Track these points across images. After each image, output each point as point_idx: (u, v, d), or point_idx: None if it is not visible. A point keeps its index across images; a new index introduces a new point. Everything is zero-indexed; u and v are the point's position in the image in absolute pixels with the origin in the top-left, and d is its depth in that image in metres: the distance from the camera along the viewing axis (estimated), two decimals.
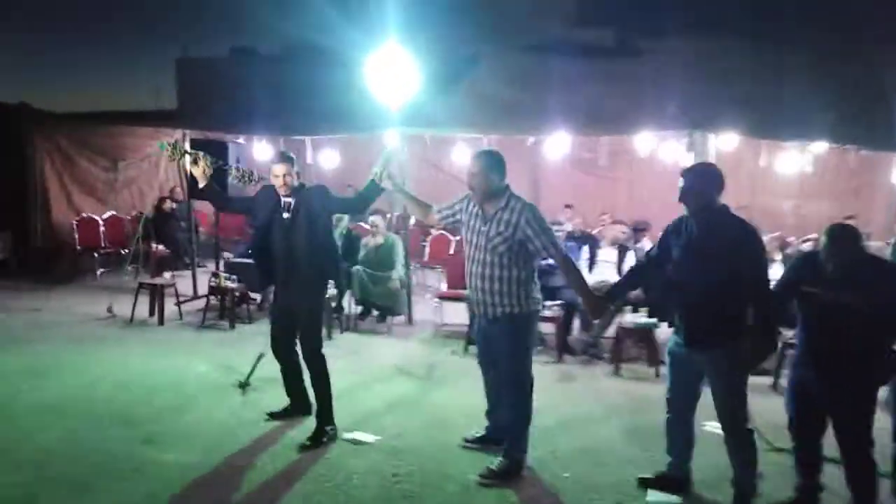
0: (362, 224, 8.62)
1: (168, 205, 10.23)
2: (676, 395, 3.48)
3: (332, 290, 5.78)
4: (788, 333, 4.36)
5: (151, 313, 7.12)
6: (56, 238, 9.60)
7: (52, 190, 9.70)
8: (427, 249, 9.27)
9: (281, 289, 4.30)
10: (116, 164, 10.53)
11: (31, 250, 9.24)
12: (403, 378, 5.50)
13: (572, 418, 4.68)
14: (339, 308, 7.13)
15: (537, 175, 11.07)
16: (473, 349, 6.12)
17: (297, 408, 4.51)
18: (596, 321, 5.04)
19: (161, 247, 9.56)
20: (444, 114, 7.87)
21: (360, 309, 7.30)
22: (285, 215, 4.11)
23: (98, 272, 9.34)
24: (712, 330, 3.19)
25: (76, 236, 9.52)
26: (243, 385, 5.06)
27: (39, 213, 9.39)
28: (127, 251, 9.34)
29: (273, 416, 4.49)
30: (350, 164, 10.06)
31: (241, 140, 9.10)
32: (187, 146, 8.38)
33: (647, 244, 7.17)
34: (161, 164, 10.25)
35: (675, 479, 3.58)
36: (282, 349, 4.36)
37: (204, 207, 9.54)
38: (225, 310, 7.14)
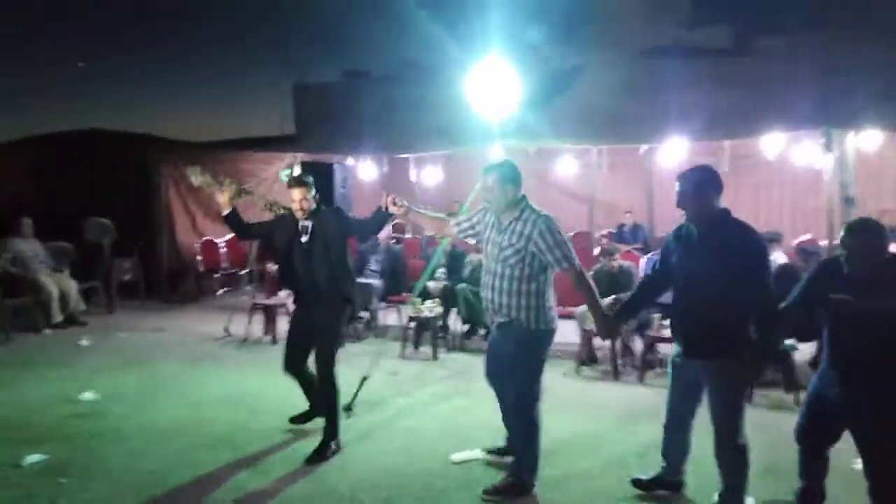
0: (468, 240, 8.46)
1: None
2: (676, 402, 3.42)
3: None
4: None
5: (265, 332, 7.28)
6: (180, 260, 10.10)
7: (177, 214, 10.22)
8: None
9: (301, 309, 4.43)
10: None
11: (157, 272, 9.75)
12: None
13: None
14: (445, 327, 6.98)
15: (651, 184, 10.52)
16: (585, 370, 5.83)
17: (319, 409, 4.51)
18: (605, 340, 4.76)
19: (276, 266, 9.82)
20: (549, 125, 7.61)
21: (466, 328, 7.13)
22: (303, 238, 4.19)
23: (218, 292, 9.74)
24: (710, 340, 3.11)
25: (199, 258, 9.99)
26: (347, 408, 4.99)
27: (165, 236, 9.91)
28: (245, 272, 9.71)
29: (294, 420, 4.58)
30: (454, 180, 9.99)
31: (349, 161, 9.24)
32: (287, 171, 8.56)
33: (780, 257, 6.52)
34: (274, 188, 10.59)
35: (670, 483, 3.56)
36: (292, 366, 4.43)
37: None
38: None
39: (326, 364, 4.25)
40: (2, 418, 4.90)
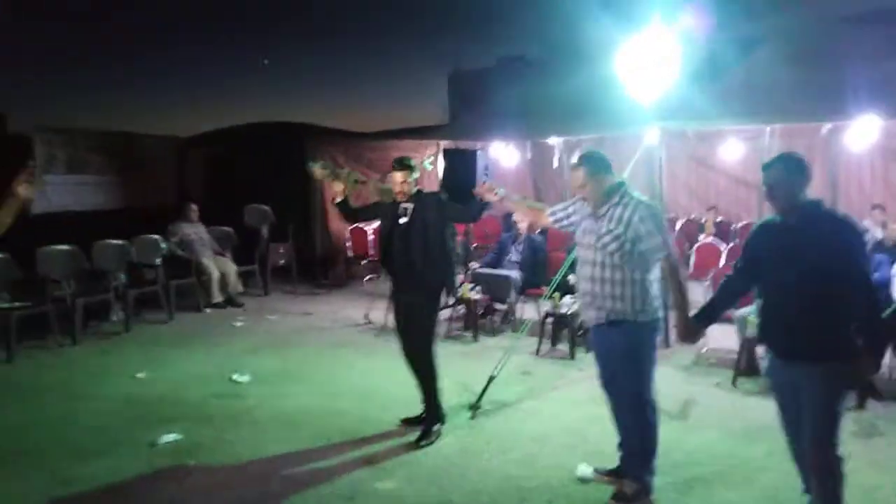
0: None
1: None
2: (788, 420, 3.04)
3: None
4: None
5: None
6: (332, 247, 10.41)
7: (330, 202, 10.52)
8: (692, 260, 8.17)
9: (399, 292, 4.42)
10: (385, 177, 11.15)
11: (309, 258, 10.12)
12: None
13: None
14: (583, 326, 6.51)
15: (836, 170, 9.22)
16: (744, 381, 5.13)
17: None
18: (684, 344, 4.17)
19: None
20: (714, 104, 6.81)
21: None
22: (402, 220, 4.25)
23: (365, 279, 9.92)
24: (810, 341, 2.86)
25: (349, 245, 10.24)
26: (474, 407, 4.75)
27: (318, 223, 10.25)
28: None
29: (406, 421, 4.49)
30: None
31: (493, 147, 8.97)
32: (431, 158, 8.41)
33: None
34: (423, 174, 10.59)
35: None
36: (406, 349, 4.43)
37: None
38: (469, 321, 6.98)
39: (421, 349, 4.30)
40: (152, 395, 5.20)
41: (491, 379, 4.85)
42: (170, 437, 4.33)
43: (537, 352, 6.18)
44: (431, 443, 4.22)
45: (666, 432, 4.42)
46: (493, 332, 6.94)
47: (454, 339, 6.80)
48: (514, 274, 7.15)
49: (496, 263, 7.48)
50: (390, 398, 5.02)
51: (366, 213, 4.74)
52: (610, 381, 3.54)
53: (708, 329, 3.40)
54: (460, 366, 5.82)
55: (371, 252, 10.25)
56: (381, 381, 5.45)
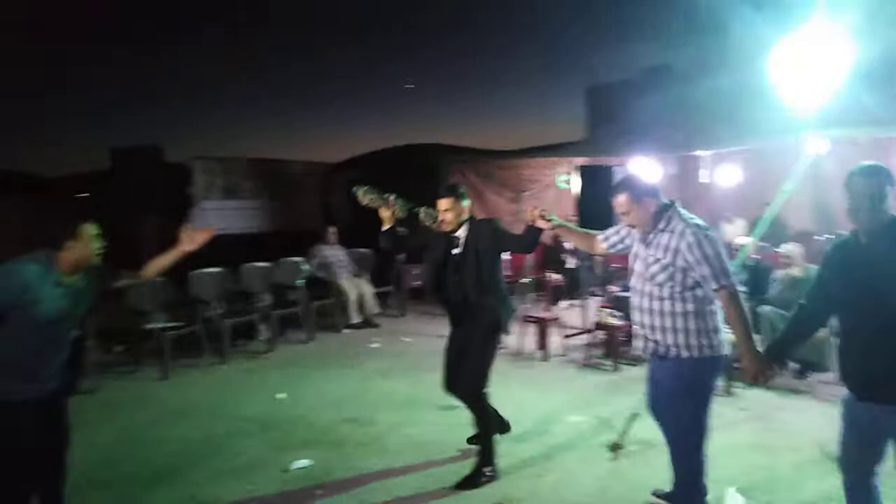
0: (778, 251, 7.13)
1: None
2: (852, 453, 2.73)
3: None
4: None
5: (539, 347, 6.95)
6: None
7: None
8: None
9: (453, 326, 4.23)
10: (519, 196, 10.95)
11: None
12: (827, 464, 4.04)
13: None
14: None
15: None
16: None
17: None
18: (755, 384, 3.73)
19: (557, 276, 9.50)
20: (887, 108, 5.99)
21: None
22: (454, 251, 4.05)
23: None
24: (889, 380, 2.52)
25: None
26: (614, 447, 4.36)
27: None
28: (524, 281, 9.53)
29: (470, 440, 4.35)
30: (756, 179, 8.53)
31: (633, 163, 8.50)
32: (564, 176, 8.06)
33: None
34: (550, 193, 10.27)
35: None
36: (450, 386, 4.23)
37: None
38: (609, 348, 6.56)
39: (471, 386, 4.06)
40: (288, 417, 5.27)
41: (635, 416, 4.43)
42: (302, 463, 4.32)
43: None
44: (477, 486, 3.90)
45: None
46: (637, 361, 6.46)
47: (592, 369, 6.40)
48: None
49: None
50: (524, 430, 4.75)
51: (415, 242, 4.44)
52: (657, 411, 3.35)
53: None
54: (599, 398, 5.45)
55: (506, 273, 10.06)
56: (514, 413, 5.17)
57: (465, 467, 4.16)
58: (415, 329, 8.41)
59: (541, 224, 3.76)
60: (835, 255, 2.77)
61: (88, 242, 3.06)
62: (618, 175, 6.99)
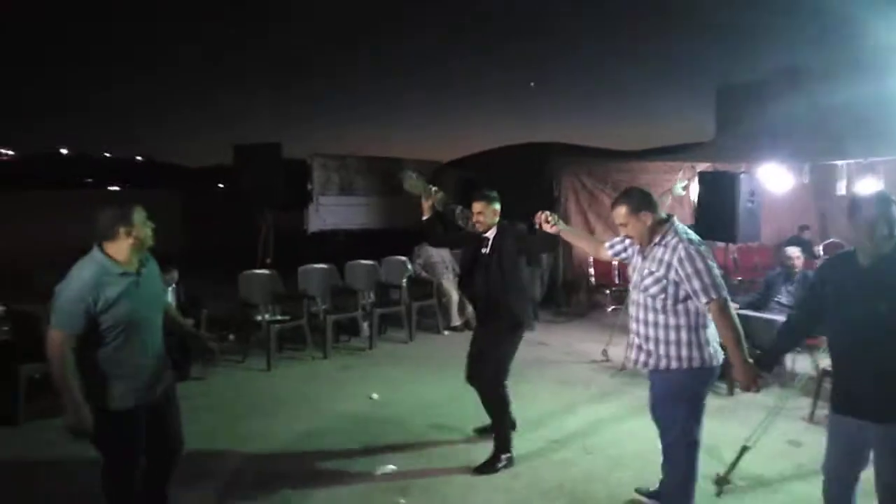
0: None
1: None
2: (835, 465, 2.89)
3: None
4: None
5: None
6: (575, 273, 10.00)
7: (577, 226, 10.14)
8: None
9: (478, 322, 4.66)
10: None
11: (550, 284, 9.80)
12: None
13: None
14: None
15: None
16: None
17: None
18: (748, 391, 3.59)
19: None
20: None
21: None
22: (484, 251, 4.36)
23: (609, 309, 9.34)
24: (880, 397, 2.64)
25: (591, 272, 9.74)
26: (721, 481, 4.01)
27: (561, 247, 9.90)
28: None
29: (479, 431, 4.70)
30: None
31: (762, 170, 7.87)
32: (683, 183, 7.57)
33: None
34: (667, 202, 9.69)
35: None
36: (471, 377, 4.58)
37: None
38: (724, 370, 6.07)
39: (490, 381, 4.35)
40: (381, 418, 5.27)
41: (745, 448, 4.06)
42: (388, 469, 4.28)
43: (811, 417, 5.12)
44: (495, 471, 4.19)
45: None
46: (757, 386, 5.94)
47: None
48: (781, 318, 6.07)
49: (761, 304, 6.46)
50: (622, 453, 4.50)
51: (455, 239, 4.99)
52: (654, 416, 3.46)
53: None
54: (707, 425, 4.98)
55: (617, 280, 9.66)
56: (612, 434, 4.92)
57: (557, 492, 3.98)
58: None
59: (546, 228, 3.87)
60: (833, 271, 2.92)
61: (142, 226, 2.98)
62: (744, 183, 6.46)
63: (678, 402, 3.27)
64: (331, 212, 12.09)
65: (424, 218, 4.57)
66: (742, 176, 6.72)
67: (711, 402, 5.58)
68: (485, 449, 4.62)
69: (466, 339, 7.77)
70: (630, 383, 6.12)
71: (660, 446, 3.54)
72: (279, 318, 7.04)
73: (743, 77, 16.28)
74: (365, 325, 7.82)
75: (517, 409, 5.35)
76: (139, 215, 2.99)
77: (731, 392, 5.84)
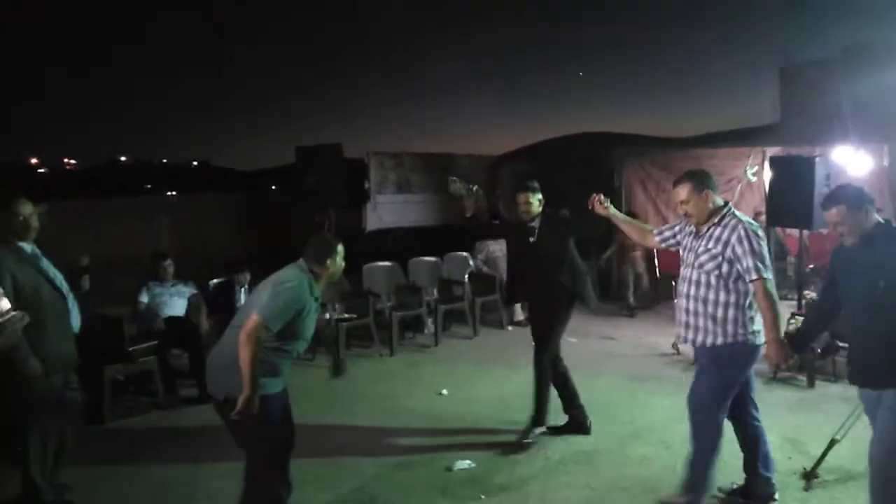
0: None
1: None
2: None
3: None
4: None
5: None
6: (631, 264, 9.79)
7: (644, 215, 9.92)
8: None
9: (532, 306, 4.97)
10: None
11: (616, 275, 9.65)
12: None
13: None
14: None
15: None
16: None
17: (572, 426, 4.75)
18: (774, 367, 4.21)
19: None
20: None
21: None
22: (531, 239, 4.62)
23: (675, 300, 9.12)
24: (877, 367, 2.94)
25: (656, 261, 9.54)
26: (809, 475, 3.87)
27: (624, 238, 9.72)
28: None
29: (551, 429, 4.70)
30: None
31: (836, 153, 7.57)
32: (753, 168, 7.37)
33: None
34: (736, 188, 9.42)
35: None
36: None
37: (795, 231, 8.31)
38: (804, 361, 5.86)
39: (542, 359, 4.61)
40: (451, 415, 5.28)
41: (833, 442, 3.90)
42: (463, 465, 4.28)
43: None
44: (527, 442, 4.47)
45: None
46: (836, 377, 5.72)
47: (782, 383, 5.76)
48: None
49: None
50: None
51: (499, 230, 5.30)
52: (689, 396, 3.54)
53: None
54: (790, 418, 4.90)
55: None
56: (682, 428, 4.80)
57: (638, 488, 3.92)
58: (580, 329, 8.08)
59: (598, 209, 3.97)
60: (839, 255, 3.18)
61: (340, 261, 3.30)
62: (819, 167, 6.22)
63: (715, 372, 3.40)
64: (388, 210, 12.19)
65: (468, 215, 4.94)
66: (818, 159, 6.46)
67: (792, 395, 5.48)
68: (560, 443, 4.60)
69: (530, 334, 7.81)
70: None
71: (738, 443, 3.60)
72: (346, 316, 7.14)
73: (809, 55, 15.65)
74: (429, 321, 7.86)
75: (592, 403, 5.32)
76: (340, 250, 3.31)
77: (811, 384, 5.65)
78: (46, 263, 3.65)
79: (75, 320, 3.71)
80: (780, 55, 15.77)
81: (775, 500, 3.61)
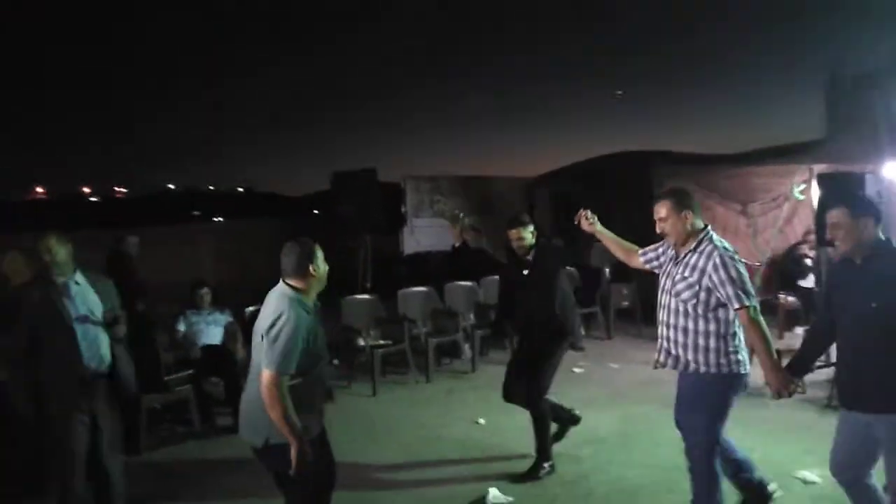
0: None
1: (801, 250, 8.99)
2: (842, 458, 3.05)
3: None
4: None
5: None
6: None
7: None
8: None
9: (521, 340, 4.83)
10: (747, 208, 9.91)
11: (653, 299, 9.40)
12: None
13: None
14: None
15: None
16: None
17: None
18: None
19: (791, 298, 8.43)
20: None
21: None
22: (525, 272, 4.55)
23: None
24: (873, 389, 2.84)
25: None
26: None
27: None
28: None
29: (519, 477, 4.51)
30: None
31: (888, 169, 7.26)
32: (801, 186, 7.07)
33: None
34: (784, 207, 9.12)
35: None
36: (510, 394, 4.64)
37: None
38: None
39: (533, 391, 4.46)
40: (487, 444, 5.17)
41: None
42: (498, 498, 4.16)
43: None
44: (537, 479, 4.36)
45: None
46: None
47: (837, 411, 5.44)
48: None
49: None
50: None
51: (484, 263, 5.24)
52: (678, 420, 3.46)
53: None
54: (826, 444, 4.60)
55: None
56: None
57: None
58: (623, 355, 7.90)
59: (584, 226, 3.92)
60: (836, 274, 3.13)
61: (321, 263, 3.07)
62: (869, 183, 5.96)
63: (703, 407, 3.32)
64: (425, 233, 12.16)
65: (455, 244, 4.88)
66: (868, 176, 6.21)
67: (823, 421, 5.15)
68: (598, 476, 4.43)
69: (569, 359, 7.59)
70: (753, 405, 5.72)
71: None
72: (381, 342, 7.08)
73: (856, 67, 15.16)
74: (466, 346, 7.74)
75: (635, 436, 5.13)
76: (320, 253, 3.07)
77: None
78: (80, 296, 3.62)
79: (104, 348, 3.67)
80: (826, 68, 15.28)
81: (773, 493, 3.63)
